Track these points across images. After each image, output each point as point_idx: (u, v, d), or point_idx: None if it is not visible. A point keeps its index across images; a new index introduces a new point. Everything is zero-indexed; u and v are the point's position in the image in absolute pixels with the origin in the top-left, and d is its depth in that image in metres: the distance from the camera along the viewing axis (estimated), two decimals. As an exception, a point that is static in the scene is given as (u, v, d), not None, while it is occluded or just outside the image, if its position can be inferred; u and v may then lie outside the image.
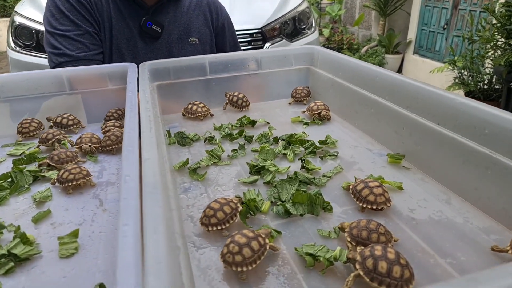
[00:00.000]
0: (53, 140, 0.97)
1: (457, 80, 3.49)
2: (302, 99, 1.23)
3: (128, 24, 1.31)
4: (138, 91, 0.93)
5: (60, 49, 1.24)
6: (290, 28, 2.79)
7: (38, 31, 2.41)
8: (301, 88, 1.25)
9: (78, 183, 0.78)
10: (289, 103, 1.25)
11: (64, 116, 1.08)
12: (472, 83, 3.32)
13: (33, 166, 0.87)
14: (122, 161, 0.54)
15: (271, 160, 0.85)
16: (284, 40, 2.67)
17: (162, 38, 1.35)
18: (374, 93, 0.95)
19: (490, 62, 2.76)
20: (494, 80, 3.26)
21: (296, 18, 2.81)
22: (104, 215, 0.70)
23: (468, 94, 3.41)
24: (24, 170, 0.83)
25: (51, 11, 1.26)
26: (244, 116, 1.09)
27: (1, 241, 0.64)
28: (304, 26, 2.88)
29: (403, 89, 0.85)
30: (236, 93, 1.19)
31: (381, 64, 5.45)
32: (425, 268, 0.55)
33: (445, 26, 4.70)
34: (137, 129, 0.65)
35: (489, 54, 2.78)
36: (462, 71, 3.43)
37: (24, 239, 0.61)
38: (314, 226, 0.65)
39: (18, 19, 2.46)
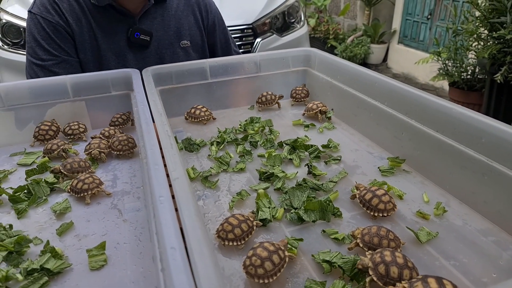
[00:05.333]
0: (58, 150, 0.99)
1: (441, 71, 3.58)
2: (302, 99, 1.27)
3: (114, 38, 1.28)
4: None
5: (34, 77, 1.25)
6: (280, 22, 2.81)
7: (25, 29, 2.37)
8: (300, 88, 1.28)
9: (93, 192, 0.81)
10: (283, 106, 1.29)
11: (71, 124, 1.10)
12: (456, 73, 3.42)
13: (46, 176, 0.90)
14: (151, 180, 0.57)
15: (279, 166, 0.89)
16: (274, 35, 2.69)
17: (152, 45, 1.33)
18: (373, 98, 1.00)
19: (474, 53, 2.84)
20: (477, 70, 3.35)
21: (286, 12, 2.83)
22: (126, 225, 0.73)
23: (452, 84, 3.51)
24: (41, 181, 0.85)
25: (28, 39, 1.25)
26: (247, 120, 1.13)
27: (28, 255, 0.67)
28: (293, 20, 2.90)
29: (403, 96, 0.89)
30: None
31: (366, 54, 5.52)
32: (432, 271, 0.60)
33: (429, 16, 4.78)
34: (157, 144, 0.69)
35: (473, 46, 2.86)
36: (447, 62, 3.52)
37: (54, 253, 0.64)
38: (326, 232, 0.69)
39: (5, 17, 2.42)
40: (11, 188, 0.85)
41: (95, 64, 1.29)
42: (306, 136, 1.04)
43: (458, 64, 3.40)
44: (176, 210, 0.50)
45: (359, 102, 1.05)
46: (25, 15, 2.36)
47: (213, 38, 1.48)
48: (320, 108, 1.14)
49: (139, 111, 0.85)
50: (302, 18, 2.97)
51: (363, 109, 1.04)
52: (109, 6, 1.24)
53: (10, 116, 1.09)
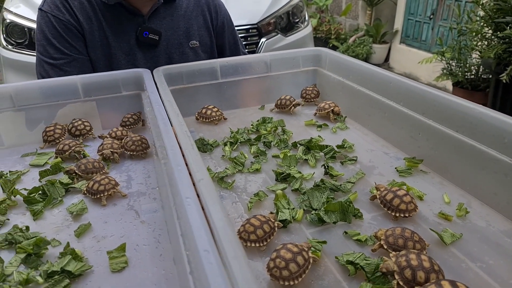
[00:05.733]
0: (69, 151, 0.98)
1: (445, 71, 3.57)
2: (313, 99, 1.27)
3: (124, 37, 1.27)
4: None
5: (45, 76, 1.24)
6: (284, 22, 2.80)
7: (30, 29, 2.36)
8: (310, 88, 1.28)
9: (109, 193, 0.80)
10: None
11: (76, 124, 1.09)
12: (460, 73, 3.41)
13: (60, 177, 0.89)
14: (175, 181, 0.56)
15: (294, 167, 0.89)
16: (279, 35, 2.69)
17: (161, 45, 1.32)
18: (388, 98, 0.99)
19: (478, 53, 2.84)
20: (481, 70, 3.35)
21: (290, 12, 2.82)
22: (144, 227, 0.72)
23: (456, 84, 3.50)
24: (56, 182, 0.84)
25: (38, 37, 1.24)
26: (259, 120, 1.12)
27: (47, 257, 0.66)
28: (297, 20, 2.90)
29: (419, 96, 0.89)
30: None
31: (368, 54, 5.52)
32: (459, 273, 0.59)
33: (431, 16, 4.78)
34: (177, 145, 0.68)
35: (477, 45, 2.85)
36: (450, 61, 3.51)
37: (74, 255, 0.63)
38: (348, 234, 0.68)
39: (9, 17, 2.41)
40: (25, 189, 0.84)
41: (105, 62, 1.28)
42: (319, 136, 1.03)
43: (462, 64, 3.39)
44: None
45: (372, 102, 1.05)
46: (29, 15, 2.36)
47: (222, 39, 1.48)
48: (332, 108, 1.13)
49: (154, 111, 0.84)
50: (307, 18, 2.96)
51: (377, 109, 1.03)
52: (119, 5, 1.23)
53: (21, 117, 1.08)
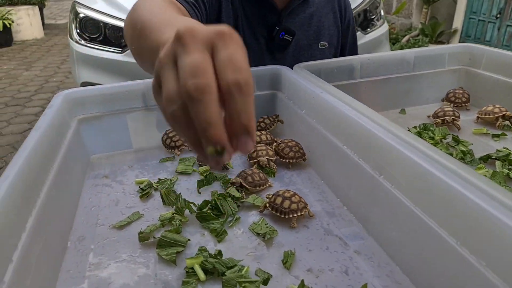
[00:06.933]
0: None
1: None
2: (462, 104, 1.11)
3: (256, 35, 1.12)
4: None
5: None
6: (361, 18, 2.64)
7: (106, 24, 2.30)
8: (460, 91, 1.12)
9: (302, 213, 0.67)
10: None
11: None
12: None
13: (215, 188, 0.77)
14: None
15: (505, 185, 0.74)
16: (359, 32, 2.52)
17: (290, 46, 1.15)
18: None
19: None
20: None
21: (367, 8, 2.66)
22: (359, 259, 0.59)
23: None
24: (227, 196, 0.72)
25: None
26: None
27: (258, 293, 0.54)
28: (373, 17, 2.73)
29: None
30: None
31: (424, 54, 5.27)
32: None
33: (498, 15, 4.50)
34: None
35: None
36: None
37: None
38: None
39: (84, 11, 2.35)
40: (186, 200, 0.72)
41: None
42: (505, 148, 0.87)
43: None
44: None
45: None
46: (107, 10, 2.29)
47: (345, 39, 1.30)
48: (504, 113, 0.97)
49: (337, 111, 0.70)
50: (382, 15, 2.79)
51: None
52: None
53: (151, 117, 0.97)
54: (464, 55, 1.15)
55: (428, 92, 1.16)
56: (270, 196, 0.70)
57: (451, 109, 1.00)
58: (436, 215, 0.48)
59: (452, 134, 0.94)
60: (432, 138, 0.93)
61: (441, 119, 0.99)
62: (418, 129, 0.98)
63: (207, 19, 1.04)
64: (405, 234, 0.55)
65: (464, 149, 0.87)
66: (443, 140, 0.93)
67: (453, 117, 0.98)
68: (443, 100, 1.16)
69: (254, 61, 1.13)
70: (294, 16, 1.14)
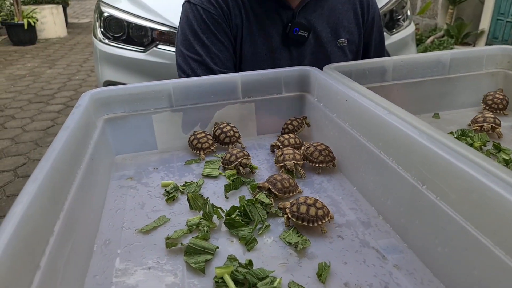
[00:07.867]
0: (235, 163, 0.83)
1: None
2: (500, 110, 1.05)
3: (270, 33, 1.12)
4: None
5: (190, 74, 1.11)
6: (387, 19, 2.57)
7: (129, 23, 2.30)
8: (501, 96, 1.06)
9: (329, 219, 0.64)
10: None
11: (226, 131, 0.93)
12: None
13: (243, 192, 0.75)
14: None
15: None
16: (385, 32, 2.46)
17: (307, 43, 1.15)
18: None
19: None
20: None
21: (394, 8, 2.59)
22: (399, 274, 0.55)
23: None
24: (256, 202, 0.69)
25: (183, 32, 1.12)
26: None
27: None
28: (400, 17, 2.65)
29: None
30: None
31: (449, 56, 5.14)
32: None
33: (528, 16, 4.34)
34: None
35: None
36: None
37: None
38: None
39: (108, 10, 2.36)
40: (214, 206, 0.70)
41: (249, 62, 1.14)
42: (551, 157, 0.82)
43: None
44: None
45: None
46: (131, 9, 2.30)
47: (369, 37, 1.28)
48: (548, 121, 0.91)
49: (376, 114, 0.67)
50: (409, 15, 2.71)
51: None
52: None
53: (178, 118, 0.95)
54: (503, 58, 1.09)
55: (464, 96, 1.11)
56: (287, 206, 0.66)
57: (492, 116, 0.94)
58: (492, 233, 0.44)
59: (493, 142, 0.88)
60: (471, 145, 0.88)
61: (480, 125, 0.93)
62: (455, 135, 0.93)
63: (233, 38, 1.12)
64: (453, 250, 0.51)
65: (507, 157, 0.82)
66: (482, 147, 0.88)
67: (493, 124, 0.92)
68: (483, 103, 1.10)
69: (269, 59, 1.13)
70: (311, 12, 1.14)
